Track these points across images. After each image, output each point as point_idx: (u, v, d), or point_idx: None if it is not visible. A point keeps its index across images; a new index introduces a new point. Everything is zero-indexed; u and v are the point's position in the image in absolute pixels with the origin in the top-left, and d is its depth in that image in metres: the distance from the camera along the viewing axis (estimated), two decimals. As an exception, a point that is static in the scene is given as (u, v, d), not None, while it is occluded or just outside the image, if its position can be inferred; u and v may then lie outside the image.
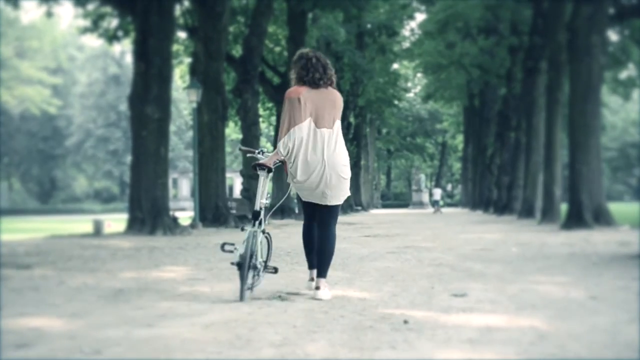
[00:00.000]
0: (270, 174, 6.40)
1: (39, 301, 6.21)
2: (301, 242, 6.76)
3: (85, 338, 4.51)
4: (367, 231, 20.49)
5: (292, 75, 6.45)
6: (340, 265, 9.45)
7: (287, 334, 4.62)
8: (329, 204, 6.37)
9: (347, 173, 6.38)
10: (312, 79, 6.27)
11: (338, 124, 6.32)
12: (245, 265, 5.95)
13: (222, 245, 6.28)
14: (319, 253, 6.44)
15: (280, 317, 5.31)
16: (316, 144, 6.18)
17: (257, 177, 6.48)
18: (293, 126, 6.12)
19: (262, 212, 6.34)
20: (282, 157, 6.24)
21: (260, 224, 6.27)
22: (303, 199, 6.51)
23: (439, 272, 8.48)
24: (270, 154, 6.48)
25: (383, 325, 4.93)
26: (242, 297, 6.00)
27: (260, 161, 6.36)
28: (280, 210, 28.60)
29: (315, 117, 6.18)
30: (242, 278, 5.97)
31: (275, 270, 6.53)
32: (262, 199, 6.38)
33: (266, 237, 6.52)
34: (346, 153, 6.45)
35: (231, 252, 6.13)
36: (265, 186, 6.42)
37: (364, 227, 22.85)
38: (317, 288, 6.33)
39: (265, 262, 6.47)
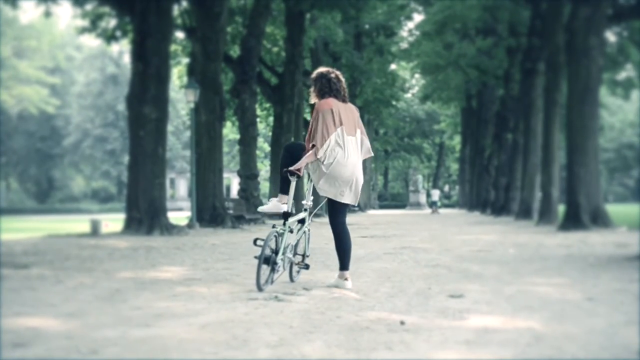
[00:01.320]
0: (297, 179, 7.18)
1: (36, 301, 6.21)
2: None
3: (82, 338, 4.51)
4: (364, 232, 20.48)
5: (314, 90, 7.17)
6: (337, 265, 9.44)
7: (284, 335, 4.62)
8: (343, 201, 7.13)
9: (363, 178, 7.26)
10: (338, 94, 7.11)
11: (358, 133, 7.13)
12: (260, 261, 6.64)
13: (255, 240, 6.95)
14: (340, 249, 7.22)
15: (277, 317, 5.31)
16: (346, 149, 6.97)
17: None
18: (328, 134, 6.90)
19: (309, 212, 7.38)
20: (315, 159, 6.97)
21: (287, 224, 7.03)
22: (321, 194, 7.17)
23: (435, 273, 8.49)
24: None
25: (379, 326, 4.93)
26: (258, 288, 6.64)
27: (292, 167, 7.03)
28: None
29: (345, 127, 6.99)
30: (257, 271, 6.65)
31: (307, 266, 7.43)
32: (298, 200, 7.31)
33: (305, 233, 7.47)
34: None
35: (260, 246, 6.75)
36: (293, 190, 7.22)
37: (360, 228, 22.84)
38: (346, 279, 7.15)
39: (303, 256, 7.44)
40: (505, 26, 38.04)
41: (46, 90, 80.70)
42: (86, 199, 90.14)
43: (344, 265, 7.19)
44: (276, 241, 6.92)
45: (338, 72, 7.23)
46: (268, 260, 6.78)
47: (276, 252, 6.86)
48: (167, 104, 19.75)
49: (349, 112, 7.10)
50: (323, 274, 8.35)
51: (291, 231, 7.16)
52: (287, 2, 29.99)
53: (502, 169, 40.24)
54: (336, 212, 7.21)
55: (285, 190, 7.25)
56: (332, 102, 7.02)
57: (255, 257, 6.81)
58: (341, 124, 6.96)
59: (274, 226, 6.96)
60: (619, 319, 5.23)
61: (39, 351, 4.15)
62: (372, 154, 7.32)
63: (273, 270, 6.86)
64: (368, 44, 47.92)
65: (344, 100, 7.12)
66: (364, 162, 7.52)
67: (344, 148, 6.93)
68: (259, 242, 6.86)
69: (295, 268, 7.54)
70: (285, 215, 7.06)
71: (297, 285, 7.28)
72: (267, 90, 32.94)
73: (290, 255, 7.29)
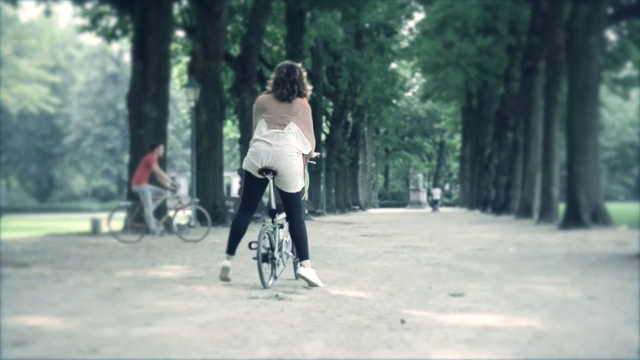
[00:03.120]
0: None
1: (36, 300, 6.21)
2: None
3: (82, 337, 4.51)
4: (364, 230, 20.48)
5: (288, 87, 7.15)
6: (338, 264, 9.45)
7: (284, 334, 4.62)
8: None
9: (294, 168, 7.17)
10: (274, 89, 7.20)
11: (290, 126, 7.09)
12: (258, 258, 6.79)
13: (249, 244, 7.02)
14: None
15: (277, 316, 5.31)
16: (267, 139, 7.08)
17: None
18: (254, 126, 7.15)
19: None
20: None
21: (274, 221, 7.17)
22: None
23: (436, 272, 8.49)
24: None
25: (380, 325, 4.93)
26: (263, 286, 6.81)
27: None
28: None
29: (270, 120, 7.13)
30: (259, 271, 6.82)
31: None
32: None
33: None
34: None
35: (255, 249, 6.89)
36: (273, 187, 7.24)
37: (361, 227, 22.85)
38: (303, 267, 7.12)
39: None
40: (505, 25, 38.05)
41: (46, 89, 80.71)
42: (86, 197, 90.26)
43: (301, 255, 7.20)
44: (269, 238, 7.05)
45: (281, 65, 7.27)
46: (266, 258, 6.91)
47: (272, 248, 7.04)
48: (167, 103, 19.76)
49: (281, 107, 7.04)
50: (323, 272, 8.35)
51: (281, 227, 7.25)
52: (288, 1, 30.00)
53: (503, 168, 40.24)
54: (285, 202, 7.21)
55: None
56: (260, 98, 7.19)
57: (254, 258, 6.94)
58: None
59: (262, 225, 7.10)
60: (620, 317, 5.23)
61: (39, 350, 4.15)
62: (310, 149, 7.15)
63: (273, 266, 7.04)
64: (368, 43, 47.92)
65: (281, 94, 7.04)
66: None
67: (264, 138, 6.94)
68: (253, 246, 6.94)
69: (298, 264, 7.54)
70: (272, 213, 7.14)
71: (297, 284, 7.28)
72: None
73: (288, 251, 7.43)
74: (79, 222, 26.72)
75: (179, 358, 3.97)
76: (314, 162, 7.64)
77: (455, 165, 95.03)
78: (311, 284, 6.98)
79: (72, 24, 63.78)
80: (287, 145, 6.90)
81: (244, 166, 7.13)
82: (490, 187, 45.93)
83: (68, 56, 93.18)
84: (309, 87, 7.19)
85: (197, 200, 18.99)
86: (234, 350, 4.12)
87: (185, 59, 34.94)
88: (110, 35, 26.49)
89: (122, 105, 77.01)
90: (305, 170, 7.37)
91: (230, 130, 58.77)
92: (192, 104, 22.66)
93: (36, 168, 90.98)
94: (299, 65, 7.29)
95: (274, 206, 7.15)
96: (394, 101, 62.15)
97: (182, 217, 21.83)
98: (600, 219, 19.92)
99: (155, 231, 15.27)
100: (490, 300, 6.11)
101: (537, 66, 29.89)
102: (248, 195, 7.19)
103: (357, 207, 58.87)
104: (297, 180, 7.03)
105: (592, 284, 7.23)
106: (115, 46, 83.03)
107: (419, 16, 55.52)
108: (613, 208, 22.52)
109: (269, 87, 7.18)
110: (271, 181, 7.04)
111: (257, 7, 27.47)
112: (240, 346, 4.23)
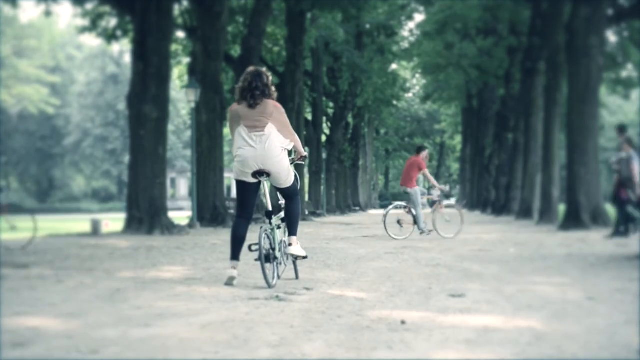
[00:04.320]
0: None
1: (37, 300, 6.20)
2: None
3: (82, 337, 4.51)
4: (365, 231, 20.48)
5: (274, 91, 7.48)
6: (338, 265, 9.45)
7: (284, 334, 4.62)
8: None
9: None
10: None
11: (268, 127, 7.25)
12: (261, 259, 6.98)
13: (249, 247, 7.24)
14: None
15: (278, 317, 5.32)
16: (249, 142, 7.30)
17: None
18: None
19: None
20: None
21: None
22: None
23: (436, 273, 8.49)
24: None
25: (380, 326, 4.93)
26: (268, 285, 6.98)
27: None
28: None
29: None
30: (262, 271, 7.00)
31: (305, 257, 7.56)
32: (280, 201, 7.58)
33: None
34: None
35: (255, 251, 7.12)
36: (268, 189, 7.44)
37: (362, 228, 22.85)
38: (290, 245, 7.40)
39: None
40: (505, 26, 38.05)
41: (46, 90, 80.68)
42: (86, 198, 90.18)
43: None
44: (269, 239, 7.25)
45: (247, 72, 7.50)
46: (268, 258, 7.11)
47: (273, 249, 7.25)
48: (167, 104, 19.74)
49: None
50: (324, 273, 8.35)
51: (279, 227, 7.49)
52: (288, 1, 29.99)
53: (503, 169, 40.24)
54: (282, 193, 7.51)
55: None
56: (233, 107, 7.39)
57: (256, 260, 7.13)
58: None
59: (261, 227, 7.23)
60: (619, 318, 5.23)
61: (39, 351, 4.15)
62: (293, 144, 7.37)
63: (276, 265, 7.26)
64: (369, 44, 47.92)
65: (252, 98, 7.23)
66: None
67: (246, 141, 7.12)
68: (253, 248, 7.18)
69: (297, 263, 7.87)
70: (269, 214, 7.37)
71: (298, 284, 7.29)
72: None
73: (286, 251, 7.56)
74: (79, 223, 26.72)
75: (179, 359, 3.97)
76: (303, 163, 7.81)
77: (455, 166, 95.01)
78: (297, 258, 7.48)
79: (72, 25, 63.78)
80: (271, 146, 7.07)
81: (235, 177, 7.29)
82: (490, 187, 45.93)
83: (68, 57, 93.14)
84: (273, 90, 7.38)
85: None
86: (234, 351, 4.12)
87: (186, 59, 34.91)
88: (110, 36, 26.47)
89: (122, 106, 77.00)
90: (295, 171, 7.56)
91: (231, 130, 58.70)
92: (193, 104, 22.65)
93: (36, 169, 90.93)
94: (264, 69, 7.52)
95: (269, 208, 7.38)
96: (395, 102, 62.03)
97: (182, 217, 21.84)
98: (600, 219, 19.92)
99: (424, 230, 16.44)
100: (491, 301, 6.11)
101: (538, 67, 29.89)
102: (243, 202, 7.34)
103: (357, 208, 58.85)
104: (289, 175, 7.29)
105: (592, 284, 7.23)
106: (115, 47, 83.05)
107: (419, 17, 55.51)
108: (613, 208, 22.49)
109: (236, 96, 7.38)
110: (264, 183, 7.24)
111: (258, 7, 27.46)
112: (241, 347, 4.24)
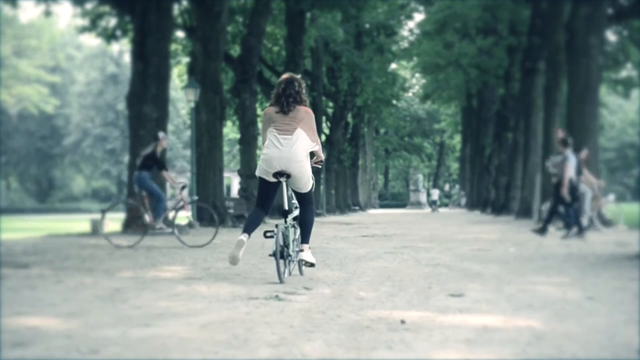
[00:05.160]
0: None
1: (36, 300, 6.20)
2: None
3: (82, 337, 4.51)
4: (364, 231, 20.47)
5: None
6: (338, 265, 9.45)
7: (284, 334, 4.62)
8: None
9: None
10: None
11: (298, 131, 7.70)
12: (276, 255, 7.36)
13: (265, 233, 7.63)
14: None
15: (277, 317, 5.31)
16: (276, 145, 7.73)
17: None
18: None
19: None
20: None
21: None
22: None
23: (436, 273, 8.49)
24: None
25: (380, 326, 4.93)
26: (280, 281, 7.35)
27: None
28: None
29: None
30: (277, 267, 7.39)
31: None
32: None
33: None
34: None
35: (270, 237, 7.52)
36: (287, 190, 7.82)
37: (361, 227, 22.84)
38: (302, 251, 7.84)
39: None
40: (505, 25, 38.07)
41: (46, 90, 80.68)
42: (86, 198, 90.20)
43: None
44: (283, 237, 7.61)
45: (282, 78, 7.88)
46: (282, 255, 7.50)
47: (287, 246, 7.63)
48: (167, 103, 19.75)
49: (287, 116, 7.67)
50: (324, 273, 8.35)
51: (293, 226, 7.87)
52: (288, 1, 29.99)
53: (503, 168, 40.26)
54: (298, 197, 7.94)
55: None
56: (267, 110, 7.83)
57: (270, 255, 7.64)
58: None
59: (276, 225, 7.52)
60: (619, 317, 5.23)
61: (38, 351, 4.15)
62: (318, 147, 7.80)
63: (288, 262, 7.67)
64: (368, 43, 47.92)
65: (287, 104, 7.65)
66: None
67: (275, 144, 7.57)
68: (268, 234, 7.58)
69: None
70: (285, 213, 7.74)
71: (297, 284, 7.29)
72: (268, 89, 32.95)
73: (297, 249, 7.89)
74: (79, 223, 26.71)
75: (179, 358, 3.97)
76: (319, 167, 8.16)
77: (455, 166, 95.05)
78: (306, 264, 7.79)
79: (72, 25, 63.77)
80: (297, 150, 7.53)
81: (258, 173, 7.74)
82: (490, 187, 45.95)
83: (68, 57, 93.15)
84: (305, 98, 7.81)
85: (196, 197, 18.93)
86: (234, 351, 4.12)
87: (186, 59, 34.94)
88: (110, 36, 26.48)
89: (122, 106, 76.99)
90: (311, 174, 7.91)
91: (230, 130, 58.76)
92: (192, 104, 22.65)
93: (36, 169, 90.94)
94: (298, 77, 7.92)
95: (286, 207, 7.74)
96: (394, 102, 62.11)
97: (182, 217, 21.83)
98: (600, 219, 19.94)
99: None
100: (490, 301, 6.11)
101: (537, 67, 29.92)
102: (262, 197, 7.86)
103: (357, 208, 58.90)
104: (308, 182, 7.76)
105: (592, 284, 7.23)
106: (115, 47, 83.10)
107: (419, 17, 55.56)
108: (613, 209, 22.52)
109: (271, 101, 7.84)
110: (283, 184, 7.64)
111: (257, 7, 27.48)
112: (240, 347, 4.23)
